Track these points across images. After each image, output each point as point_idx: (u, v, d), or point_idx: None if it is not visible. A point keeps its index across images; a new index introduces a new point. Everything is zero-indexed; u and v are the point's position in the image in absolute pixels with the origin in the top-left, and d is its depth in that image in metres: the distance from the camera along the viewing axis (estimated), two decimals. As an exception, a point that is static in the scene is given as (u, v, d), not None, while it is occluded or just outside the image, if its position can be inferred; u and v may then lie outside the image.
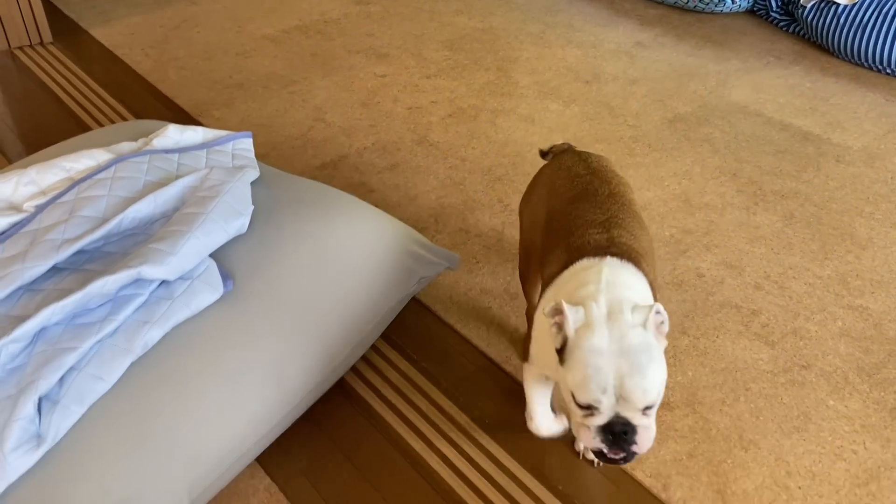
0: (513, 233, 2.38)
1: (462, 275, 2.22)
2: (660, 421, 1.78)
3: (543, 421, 1.62)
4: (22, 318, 1.41)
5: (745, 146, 2.77)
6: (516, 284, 2.17)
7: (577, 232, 1.46)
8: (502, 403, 1.84)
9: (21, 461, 1.30)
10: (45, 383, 1.33)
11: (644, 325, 1.22)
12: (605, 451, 1.26)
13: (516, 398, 1.85)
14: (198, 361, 1.51)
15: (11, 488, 1.33)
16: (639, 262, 1.39)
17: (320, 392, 1.75)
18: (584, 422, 1.24)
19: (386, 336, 2.03)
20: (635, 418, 1.22)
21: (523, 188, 2.57)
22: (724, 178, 2.60)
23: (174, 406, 1.46)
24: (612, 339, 1.20)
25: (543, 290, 1.45)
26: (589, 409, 1.22)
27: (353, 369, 1.94)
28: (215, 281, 1.57)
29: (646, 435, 1.24)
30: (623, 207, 1.52)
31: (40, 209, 1.64)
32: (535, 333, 1.46)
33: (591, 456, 1.71)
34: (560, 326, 1.26)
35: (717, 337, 1.99)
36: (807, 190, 2.53)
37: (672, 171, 2.65)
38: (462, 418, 1.81)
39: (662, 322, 1.25)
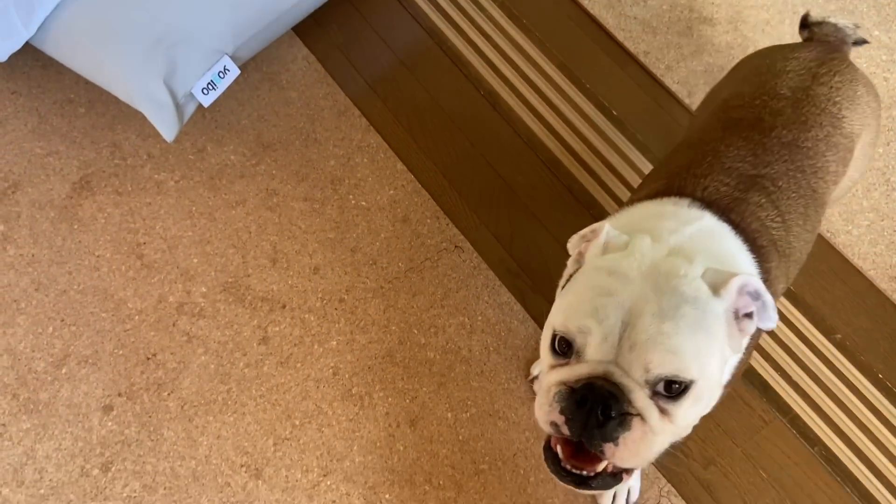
0: None
1: None
2: (698, 34, 1.76)
3: None
4: None
5: None
6: None
7: (699, 168, 0.96)
8: (542, 4, 1.81)
9: (70, -24, 1.32)
10: None
11: (715, 292, 0.75)
12: (563, 427, 0.75)
13: (559, 3, 1.82)
14: None
15: (63, 7, 1.37)
16: (764, 251, 0.90)
17: (359, -30, 1.72)
18: (549, 375, 0.78)
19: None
20: (635, 394, 0.72)
21: None
22: None
23: (215, -50, 1.44)
24: (650, 273, 0.76)
25: None
26: (565, 351, 0.77)
27: (393, -41, 1.88)
28: None
29: (642, 441, 0.73)
30: (798, 174, 0.96)
31: None
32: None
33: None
34: (581, 258, 0.85)
35: (777, -38, 1.88)
36: None
37: None
38: (500, 16, 1.80)
39: (753, 313, 0.77)
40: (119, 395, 1.33)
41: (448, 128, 1.65)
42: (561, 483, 0.80)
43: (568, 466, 0.77)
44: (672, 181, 0.96)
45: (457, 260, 1.49)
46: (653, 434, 0.73)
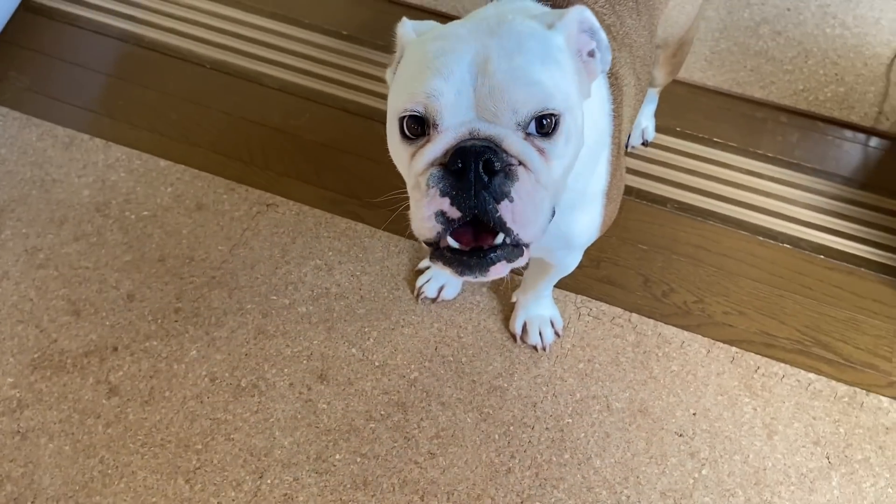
0: None
1: None
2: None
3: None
4: None
5: None
6: None
7: None
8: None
9: None
10: None
11: (551, 27, 0.71)
12: (451, 210, 0.65)
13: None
14: None
15: None
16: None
17: None
18: (411, 166, 0.68)
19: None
20: (509, 139, 0.65)
21: None
22: None
23: None
24: (479, 25, 0.70)
25: None
26: (418, 132, 0.68)
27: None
28: None
29: (535, 191, 0.66)
30: None
31: None
32: None
33: (427, 292, 1.27)
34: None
35: None
36: None
37: None
38: None
39: (591, 51, 0.73)
40: (-36, 540, 1.02)
41: (194, 110, 1.51)
42: (461, 277, 0.68)
43: (456, 226, 0.65)
44: None
45: (276, 216, 1.37)
46: (539, 183, 0.66)
